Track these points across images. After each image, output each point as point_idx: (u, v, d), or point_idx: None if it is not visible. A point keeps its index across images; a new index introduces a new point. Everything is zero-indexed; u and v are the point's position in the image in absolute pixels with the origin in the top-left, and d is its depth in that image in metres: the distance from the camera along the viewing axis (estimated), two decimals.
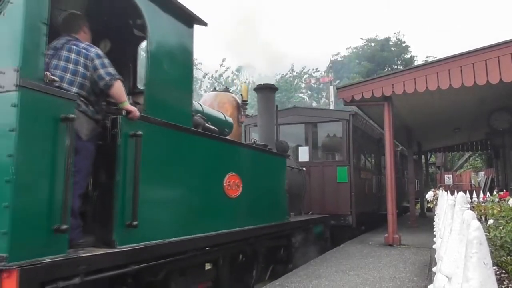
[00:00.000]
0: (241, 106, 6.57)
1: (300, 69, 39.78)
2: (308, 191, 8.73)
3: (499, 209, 5.23)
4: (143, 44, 4.45)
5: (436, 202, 8.63)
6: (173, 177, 3.84)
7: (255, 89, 7.53)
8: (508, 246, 3.76)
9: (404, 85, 7.80)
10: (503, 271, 3.76)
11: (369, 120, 11.57)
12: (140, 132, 3.25)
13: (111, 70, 3.23)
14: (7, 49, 2.49)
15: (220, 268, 4.72)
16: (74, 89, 3.06)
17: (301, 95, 47.42)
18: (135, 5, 3.50)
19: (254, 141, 6.27)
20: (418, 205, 17.18)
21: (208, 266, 4.54)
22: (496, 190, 11.42)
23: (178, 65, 4.05)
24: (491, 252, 3.75)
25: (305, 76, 44.32)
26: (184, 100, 4.10)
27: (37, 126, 2.52)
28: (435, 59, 8.65)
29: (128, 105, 3.27)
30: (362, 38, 57.54)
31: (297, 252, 6.94)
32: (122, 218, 3.13)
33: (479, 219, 5.77)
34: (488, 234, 3.92)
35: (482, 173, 24.84)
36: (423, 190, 17.17)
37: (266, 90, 7.36)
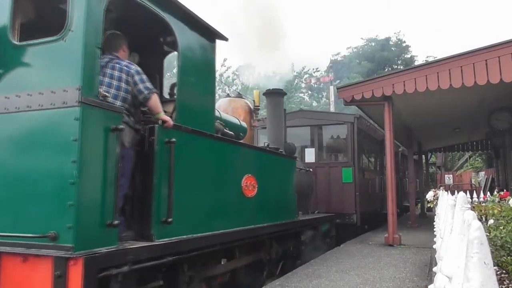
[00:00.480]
0: (253, 111, 6.87)
1: (300, 68, 39.78)
2: (314, 191, 9.01)
3: (499, 209, 5.23)
4: (168, 57, 5.28)
5: (436, 202, 8.62)
6: (200, 179, 4.24)
7: (264, 94, 7.80)
8: (508, 246, 3.76)
9: (404, 85, 7.79)
10: (504, 271, 3.75)
11: (372, 122, 11.80)
12: (173, 139, 3.67)
13: (149, 84, 3.64)
14: (69, 71, 2.92)
15: (238, 262, 5.12)
16: (118, 103, 3.44)
17: (301, 95, 47.44)
18: (167, 25, 3.90)
19: (267, 145, 6.61)
20: (419, 205, 17.17)
21: (223, 261, 4.84)
22: (496, 190, 11.41)
23: (203, 77, 4.46)
24: (492, 252, 3.75)
25: (305, 76, 44.32)
26: (208, 108, 4.52)
27: (94, 136, 2.95)
28: (436, 59, 8.64)
29: (163, 115, 3.69)
30: (362, 38, 57.57)
31: (305, 249, 7.29)
32: (159, 215, 3.53)
33: (480, 219, 5.76)
34: (488, 234, 3.92)
35: (482, 173, 24.83)
36: (423, 190, 17.16)
37: (275, 95, 7.69)
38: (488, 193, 10.65)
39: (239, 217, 4.96)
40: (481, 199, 9.69)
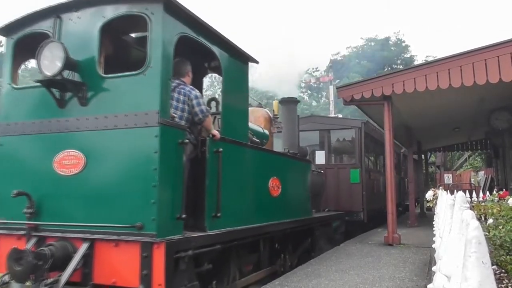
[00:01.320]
0: (272, 119, 7.51)
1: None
2: (325, 190, 9.68)
3: (498, 209, 5.24)
4: (206, 77, 6.43)
5: (436, 202, 8.64)
6: (239, 181, 5.08)
7: (279, 102, 8.39)
8: (507, 245, 3.77)
9: (404, 85, 7.79)
10: (503, 271, 3.76)
11: (377, 126, 12.24)
12: (221, 149, 4.49)
13: (204, 108, 4.43)
14: (149, 98, 3.77)
15: (262, 253, 5.84)
16: (183, 122, 4.25)
17: (301, 94, 47.41)
18: (213, 54, 4.79)
19: (287, 150, 7.38)
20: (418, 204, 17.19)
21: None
22: (495, 189, 11.43)
23: (240, 95, 5.36)
24: (491, 252, 3.76)
25: (305, 75, 44.29)
26: (244, 121, 5.36)
27: (168, 149, 3.78)
28: (435, 58, 8.65)
29: (214, 131, 4.49)
30: (362, 38, 57.55)
31: (318, 243, 8.08)
32: (210, 211, 4.34)
33: (479, 219, 5.77)
34: (487, 234, 3.93)
35: (481, 173, 24.84)
36: (423, 190, 17.18)
37: (289, 103, 8.42)
38: (487, 193, 10.67)
39: (267, 214, 5.81)
40: (480, 199, 9.70)
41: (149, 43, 3.88)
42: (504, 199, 6.68)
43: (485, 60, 7.08)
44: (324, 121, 11.77)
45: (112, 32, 4.42)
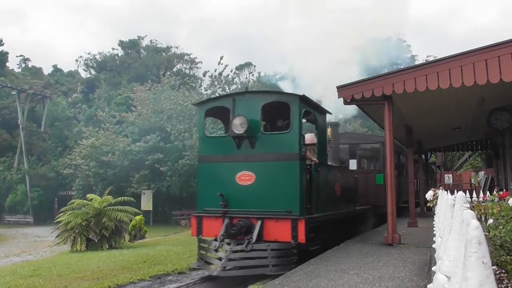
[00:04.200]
0: (327, 141, 9.61)
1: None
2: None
3: (498, 209, 5.23)
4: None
5: (436, 202, 8.63)
6: (328, 186, 9.03)
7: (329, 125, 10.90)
8: (507, 245, 3.76)
9: (404, 85, 7.78)
10: (503, 271, 3.75)
11: (397, 142, 14.81)
12: (319, 169, 8.33)
13: (304, 149, 7.96)
14: (292, 146, 7.64)
15: (328, 233, 8.85)
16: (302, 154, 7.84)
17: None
18: (314, 115, 8.75)
19: (345, 166, 11.14)
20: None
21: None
22: (496, 189, 11.43)
23: (324, 136, 9.17)
24: (491, 252, 3.75)
25: None
26: (325, 150, 9.13)
27: (302, 171, 7.66)
28: (436, 58, 8.62)
29: (314, 158, 8.15)
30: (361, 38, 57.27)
31: (360, 228, 11.63)
32: (316, 203, 8.02)
33: (479, 219, 5.76)
34: (487, 234, 3.92)
35: (482, 173, 24.81)
36: (423, 190, 17.15)
37: (335, 125, 11.26)
38: (488, 193, 10.66)
39: (339, 206, 9.63)
40: (481, 199, 9.69)
41: (291, 116, 7.78)
42: (504, 199, 6.68)
43: (486, 60, 7.06)
44: (355, 136, 15.87)
45: (267, 108, 8.05)
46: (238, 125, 7.55)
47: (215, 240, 7.61)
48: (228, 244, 7.33)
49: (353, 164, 13.52)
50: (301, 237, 7.05)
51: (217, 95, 30.43)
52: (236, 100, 7.99)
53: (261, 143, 7.71)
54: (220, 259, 7.28)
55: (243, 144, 7.78)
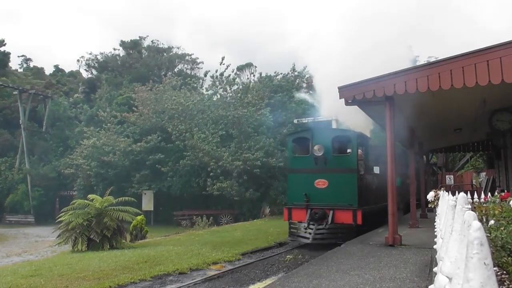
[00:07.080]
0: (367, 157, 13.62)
1: (301, 68, 39.62)
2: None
3: (500, 210, 5.22)
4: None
5: (437, 203, 8.61)
6: (370, 189, 13.10)
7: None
8: (509, 247, 3.75)
9: (405, 85, 7.76)
10: (504, 272, 3.75)
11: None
12: (365, 177, 12.92)
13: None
14: (352, 164, 12.10)
15: (371, 219, 12.20)
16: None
17: (302, 94, 47.20)
18: (362, 143, 13.37)
19: (377, 173, 13.71)
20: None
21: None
22: (497, 190, 11.40)
23: (367, 154, 13.35)
24: (492, 253, 3.74)
25: (307, 75, 44.16)
26: (368, 164, 13.26)
27: (358, 179, 11.99)
28: (437, 59, 8.60)
29: (361, 172, 12.60)
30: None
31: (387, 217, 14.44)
32: (361, 201, 11.83)
33: (480, 220, 5.75)
34: (489, 235, 3.91)
35: (483, 174, 24.77)
36: (425, 190, 17.14)
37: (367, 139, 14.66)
38: (489, 194, 10.64)
39: (376, 201, 13.04)
40: (482, 200, 9.67)
41: (352, 145, 12.26)
42: (506, 201, 6.66)
43: (487, 61, 7.04)
44: (376, 146, 17.71)
45: (338, 139, 12.57)
46: (317, 150, 11.87)
47: (300, 222, 11.93)
48: (313, 225, 11.49)
49: (376, 169, 15.28)
50: (359, 221, 11.13)
51: (218, 95, 30.51)
52: (313, 132, 12.77)
53: (332, 161, 12.01)
54: (310, 234, 11.49)
55: (319, 161, 11.96)
